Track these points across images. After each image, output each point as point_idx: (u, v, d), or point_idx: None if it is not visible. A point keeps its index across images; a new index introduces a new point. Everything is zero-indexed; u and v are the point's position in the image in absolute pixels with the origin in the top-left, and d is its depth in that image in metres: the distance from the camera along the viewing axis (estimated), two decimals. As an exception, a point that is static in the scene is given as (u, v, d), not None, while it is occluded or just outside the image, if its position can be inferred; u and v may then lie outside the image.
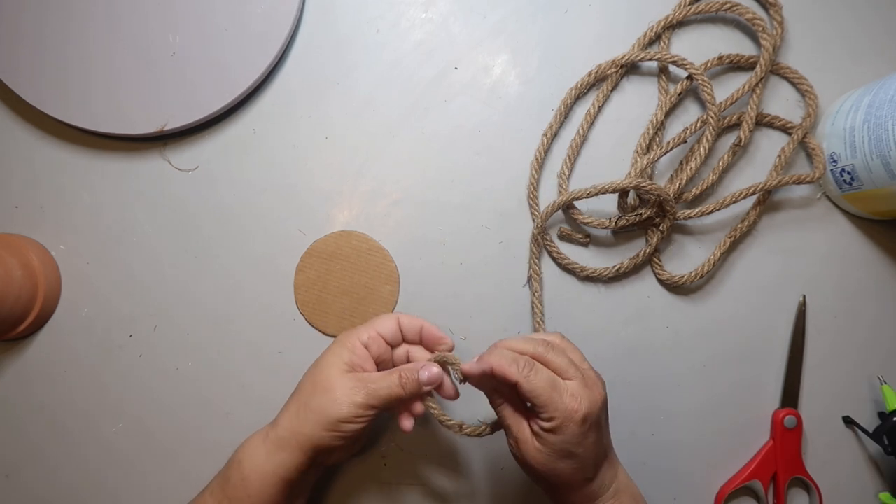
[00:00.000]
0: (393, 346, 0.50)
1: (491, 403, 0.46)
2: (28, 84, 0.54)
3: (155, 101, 0.55)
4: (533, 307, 0.55)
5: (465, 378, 0.45)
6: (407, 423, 0.49)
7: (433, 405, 0.48)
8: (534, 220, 0.56)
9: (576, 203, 0.56)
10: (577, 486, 0.44)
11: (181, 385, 0.55)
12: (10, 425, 0.55)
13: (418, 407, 0.49)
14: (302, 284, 0.56)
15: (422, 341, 0.50)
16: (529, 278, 0.55)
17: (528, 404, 0.44)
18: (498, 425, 0.48)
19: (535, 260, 0.55)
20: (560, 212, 0.57)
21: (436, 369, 0.47)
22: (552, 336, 0.47)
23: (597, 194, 0.52)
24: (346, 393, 0.45)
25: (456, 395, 0.49)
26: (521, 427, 0.44)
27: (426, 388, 0.47)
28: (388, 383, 0.46)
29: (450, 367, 0.47)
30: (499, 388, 0.45)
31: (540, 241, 0.55)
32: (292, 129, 0.57)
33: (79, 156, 0.57)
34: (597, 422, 0.44)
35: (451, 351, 0.49)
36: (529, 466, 0.44)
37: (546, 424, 0.43)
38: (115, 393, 0.55)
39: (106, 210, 0.56)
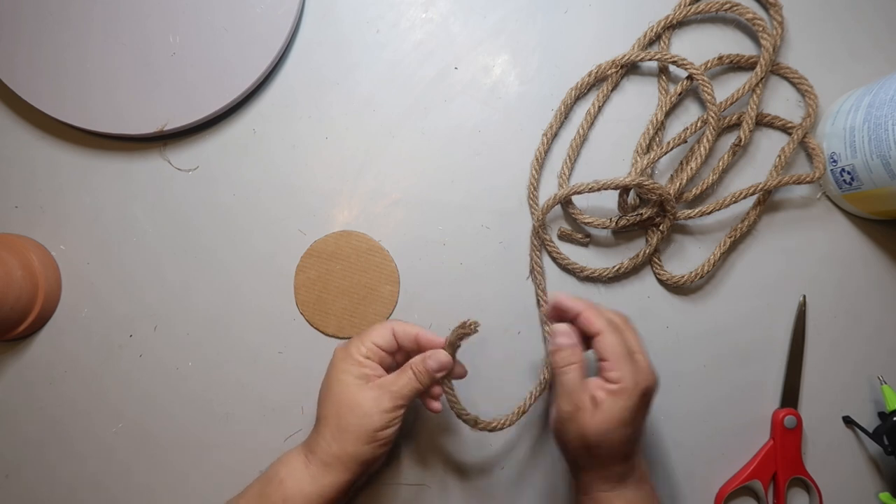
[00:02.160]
0: (391, 354, 0.49)
1: (554, 361, 0.46)
2: (28, 84, 0.54)
3: (155, 101, 0.55)
4: (538, 299, 0.55)
5: (551, 316, 0.48)
6: (434, 405, 0.50)
7: (452, 395, 0.49)
8: (533, 215, 0.56)
9: (576, 203, 0.56)
10: (619, 460, 0.45)
11: (181, 385, 0.55)
12: (10, 425, 0.55)
13: (436, 390, 0.50)
14: (302, 284, 0.56)
15: (420, 349, 0.49)
16: (532, 271, 0.55)
17: (598, 363, 0.46)
18: (511, 420, 0.51)
19: (536, 252, 0.55)
20: (560, 212, 0.57)
21: (442, 355, 0.47)
22: (619, 315, 0.48)
23: (598, 189, 0.52)
24: (373, 404, 0.46)
25: (464, 374, 0.50)
26: (583, 393, 0.45)
27: (439, 375, 0.47)
28: (405, 381, 0.47)
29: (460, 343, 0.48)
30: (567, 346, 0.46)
31: (540, 235, 0.55)
32: (292, 129, 0.57)
33: (79, 156, 0.57)
34: (649, 403, 0.46)
35: (469, 329, 0.48)
36: (580, 435, 0.44)
37: (612, 387, 0.44)
38: (115, 393, 0.55)
39: (106, 210, 0.56)
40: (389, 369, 0.49)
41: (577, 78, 0.56)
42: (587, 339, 0.47)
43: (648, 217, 0.54)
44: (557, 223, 0.57)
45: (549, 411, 0.48)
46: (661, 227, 0.54)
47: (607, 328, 0.46)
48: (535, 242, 0.55)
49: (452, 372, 0.49)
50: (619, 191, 0.53)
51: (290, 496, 0.46)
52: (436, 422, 0.55)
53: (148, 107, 0.55)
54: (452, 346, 0.48)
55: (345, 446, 0.46)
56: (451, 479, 0.55)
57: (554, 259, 0.56)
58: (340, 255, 0.56)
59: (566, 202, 0.56)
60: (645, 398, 0.45)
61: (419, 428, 0.55)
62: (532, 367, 0.56)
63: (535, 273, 0.55)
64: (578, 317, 0.47)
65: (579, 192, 0.53)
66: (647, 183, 0.51)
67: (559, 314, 0.48)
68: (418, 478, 0.55)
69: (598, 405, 0.44)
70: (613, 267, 0.55)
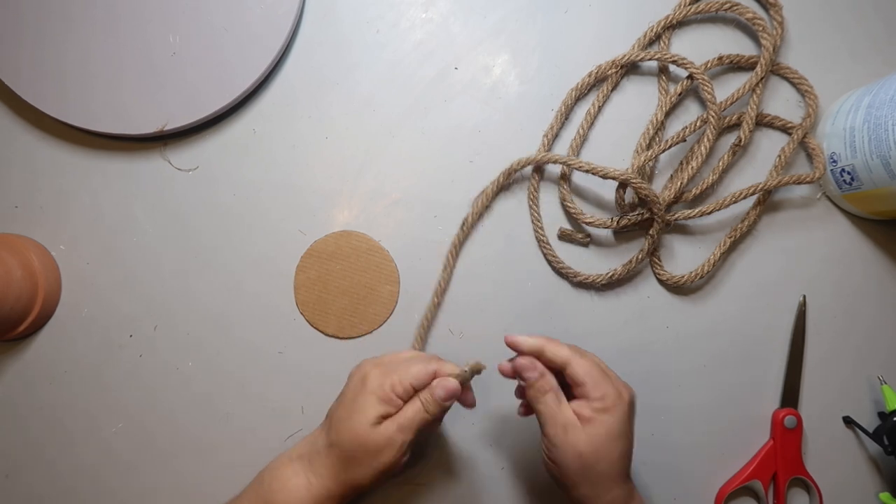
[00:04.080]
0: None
1: (530, 397, 0.46)
2: (28, 84, 0.54)
3: (155, 101, 0.55)
4: (464, 221, 0.55)
5: (514, 359, 0.47)
6: (469, 401, 0.50)
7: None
8: (532, 216, 0.56)
9: (576, 202, 0.56)
10: (618, 479, 0.45)
11: (181, 385, 0.55)
12: (11, 425, 0.55)
13: (467, 399, 0.49)
14: (302, 284, 0.56)
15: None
16: (479, 196, 0.55)
17: (574, 388, 0.46)
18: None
19: (495, 188, 0.55)
20: (560, 211, 0.57)
21: (450, 383, 0.46)
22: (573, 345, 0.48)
23: (588, 171, 0.52)
24: (388, 444, 0.45)
25: (473, 404, 0.50)
26: (568, 414, 0.45)
27: (447, 403, 0.47)
28: (413, 413, 0.46)
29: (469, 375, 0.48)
30: (536, 379, 0.46)
31: (509, 177, 0.55)
32: (292, 129, 0.57)
33: (79, 156, 0.57)
34: (634, 414, 0.46)
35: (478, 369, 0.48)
36: (576, 452, 0.44)
37: (598, 404, 0.44)
38: (115, 393, 0.55)
39: (106, 210, 0.56)
40: None
41: (578, 78, 0.56)
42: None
43: (649, 217, 0.54)
44: (558, 223, 0.57)
45: (540, 447, 0.47)
46: (650, 232, 0.54)
47: (574, 355, 0.46)
48: (501, 179, 0.55)
49: (462, 400, 0.49)
50: (616, 188, 0.53)
51: None
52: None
53: (148, 107, 0.55)
54: (462, 376, 0.47)
55: (353, 478, 0.46)
56: (452, 478, 0.55)
57: (549, 262, 0.56)
58: (340, 255, 0.56)
59: (566, 202, 0.56)
60: (631, 409, 0.46)
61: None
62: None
63: (481, 200, 0.55)
64: (542, 352, 0.46)
65: (569, 165, 0.53)
66: (635, 180, 0.51)
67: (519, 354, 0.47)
68: (418, 478, 0.55)
69: (589, 421, 0.44)
70: (607, 273, 0.55)
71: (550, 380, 0.46)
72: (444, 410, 0.47)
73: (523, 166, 0.55)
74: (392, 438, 0.45)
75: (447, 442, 0.55)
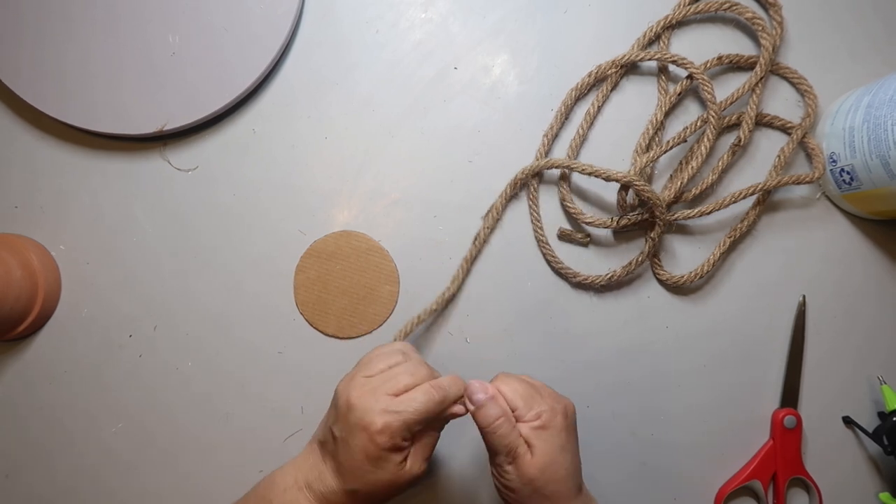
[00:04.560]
0: None
1: (486, 433, 0.44)
2: (28, 84, 0.54)
3: (155, 101, 0.55)
4: (476, 237, 0.55)
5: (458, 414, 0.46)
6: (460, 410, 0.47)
7: None
8: (532, 217, 0.56)
9: (576, 202, 0.56)
10: (572, 493, 0.44)
11: (181, 385, 0.55)
12: (11, 425, 0.55)
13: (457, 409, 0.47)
14: (302, 284, 0.56)
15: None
16: (489, 212, 0.55)
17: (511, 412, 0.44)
18: None
19: (504, 201, 0.55)
20: (560, 211, 0.57)
21: (482, 386, 0.45)
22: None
23: (590, 174, 0.52)
24: (417, 477, 0.44)
25: (464, 413, 0.48)
26: (517, 441, 0.43)
27: (454, 416, 0.46)
28: (428, 440, 0.45)
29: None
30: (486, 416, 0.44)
31: (517, 187, 0.56)
32: (292, 129, 0.57)
33: (79, 156, 0.57)
34: (574, 423, 0.46)
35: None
36: (526, 479, 0.43)
37: (535, 423, 0.43)
38: (115, 393, 0.55)
39: (106, 210, 0.56)
40: None
41: (577, 78, 0.56)
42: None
43: (649, 217, 0.54)
44: (557, 223, 0.57)
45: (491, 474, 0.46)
46: (651, 235, 0.54)
47: (502, 382, 0.45)
48: (508, 191, 0.55)
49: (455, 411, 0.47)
50: (618, 189, 0.53)
51: None
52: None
53: (147, 107, 0.55)
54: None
55: (370, 496, 0.44)
56: (452, 478, 0.55)
57: (548, 262, 0.56)
58: (340, 255, 0.56)
59: (566, 203, 0.56)
60: (567, 419, 0.45)
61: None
62: (532, 367, 0.56)
63: (490, 215, 0.55)
64: (468, 388, 0.45)
65: (573, 169, 0.53)
66: (638, 183, 0.51)
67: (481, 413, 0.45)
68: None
69: (531, 446, 0.43)
70: (606, 274, 0.55)
71: (501, 402, 0.44)
72: (446, 419, 0.46)
73: (528, 175, 0.55)
74: (419, 472, 0.45)
75: (447, 442, 0.55)
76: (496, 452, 0.44)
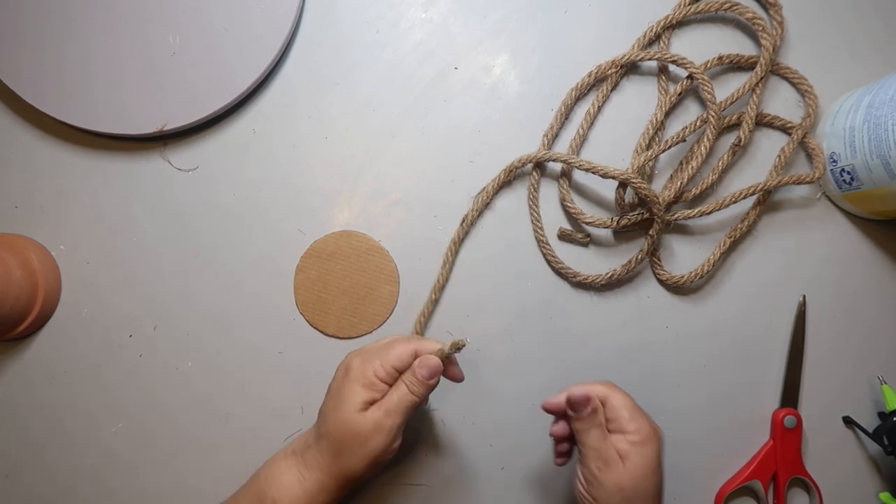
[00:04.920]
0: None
1: (578, 430, 0.46)
2: (28, 84, 0.54)
3: (155, 101, 0.55)
4: (464, 218, 0.55)
5: (549, 409, 0.48)
6: (457, 375, 0.50)
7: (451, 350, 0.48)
8: (532, 217, 0.56)
9: (576, 202, 0.56)
10: None
11: (181, 385, 0.55)
12: (11, 425, 0.55)
13: (455, 374, 0.49)
14: (302, 284, 0.56)
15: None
16: (479, 193, 0.56)
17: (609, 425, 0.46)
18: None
19: (496, 185, 0.55)
20: (560, 211, 0.57)
21: (432, 360, 0.47)
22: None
23: (589, 170, 0.52)
24: (376, 431, 0.45)
25: (461, 378, 0.50)
26: (611, 449, 0.45)
27: (432, 382, 0.47)
28: (399, 398, 0.46)
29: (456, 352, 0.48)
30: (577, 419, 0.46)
31: (511, 174, 0.56)
32: (292, 129, 0.57)
33: (79, 156, 0.57)
34: (664, 453, 0.47)
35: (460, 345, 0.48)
36: (618, 487, 0.44)
37: (635, 437, 0.45)
38: (115, 393, 0.55)
39: (106, 210, 0.56)
40: None
41: (577, 78, 0.56)
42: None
43: (649, 217, 0.54)
44: (557, 223, 0.57)
45: (574, 482, 0.47)
46: (650, 232, 0.54)
47: (611, 390, 0.47)
48: (503, 176, 0.55)
49: (449, 374, 0.49)
50: (616, 187, 0.53)
51: None
52: (437, 421, 0.55)
53: (148, 107, 0.55)
54: (442, 352, 0.47)
55: (344, 469, 0.46)
56: (452, 479, 0.55)
57: (548, 262, 0.56)
58: (340, 255, 0.56)
59: (566, 202, 0.56)
60: (662, 445, 0.47)
61: (419, 428, 0.55)
62: (532, 367, 0.56)
63: (481, 197, 0.55)
64: (579, 396, 0.46)
65: (570, 164, 0.53)
66: (635, 180, 0.51)
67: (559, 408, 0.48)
68: (418, 478, 0.55)
69: (626, 456, 0.45)
70: (606, 273, 0.55)
71: (601, 415, 0.46)
72: (430, 389, 0.47)
73: (524, 164, 0.55)
74: (380, 423, 0.45)
75: (447, 442, 0.55)
76: (589, 458, 0.45)
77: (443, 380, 0.48)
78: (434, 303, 0.55)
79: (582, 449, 0.46)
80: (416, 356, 0.47)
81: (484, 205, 0.56)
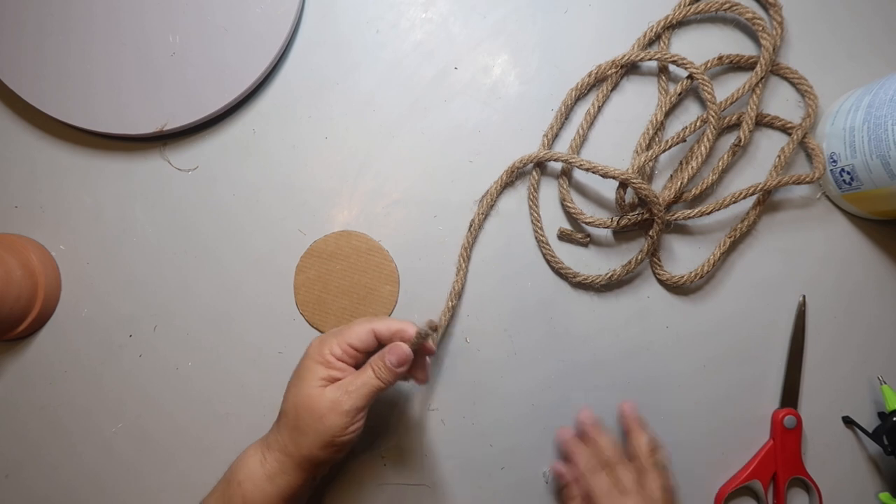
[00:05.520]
0: (368, 353, 0.48)
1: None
2: (28, 84, 0.54)
3: (155, 101, 0.55)
4: (471, 223, 0.55)
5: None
6: (421, 376, 0.49)
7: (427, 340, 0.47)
8: (532, 217, 0.56)
9: (576, 202, 0.56)
10: None
11: (181, 385, 0.55)
12: (10, 425, 0.55)
13: (420, 374, 0.49)
14: (302, 284, 0.56)
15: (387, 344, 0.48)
16: (483, 197, 0.56)
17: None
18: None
19: (499, 187, 0.55)
20: (560, 211, 0.57)
21: (401, 348, 0.46)
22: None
23: (588, 170, 0.52)
24: (333, 408, 0.45)
25: (432, 351, 0.49)
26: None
27: (401, 370, 0.46)
28: (364, 381, 0.46)
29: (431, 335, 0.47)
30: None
31: (513, 175, 0.56)
32: (292, 129, 0.57)
33: (79, 156, 0.57)
34: None
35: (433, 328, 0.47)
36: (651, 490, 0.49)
37: (659, 457, 0.51)
38: (115, 393, 0.55)
39: (106, 210, 0.56)
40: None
41: (577, 78, 0.56)
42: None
43: (649, 217, 0.54)
44: (557, 223, 0.57)
45: None
46: (650, 232, 0.54)
47: (638, 425, 0.53)
48: (504, 177, 0.56)
49: (426, 350, 0.48)
50: (616, 187, 0.53)
51: (249, 497, 0.46)
52: (437, 421, 0.55)
53: (148, 107, 0.55)
54: (418, 337, 0.46)
55: (300, 448, 0.46)
56: (452, 479, 0.55)
57: (548, 262, 0.56)
58: (340, 255, 0.56)
59: (566, 202, 0.56)
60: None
61: (420, 428, 0.55)
62: (532, 367, 0.56)
63: (485, 201, 0.56)
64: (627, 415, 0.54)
65: (571, 163, 0.53)
66: (635, 180, 0.51)
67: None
68: (418, 478, 0.55)
69: (647, 476, 0.50)
70: (606, 274, 0.55)
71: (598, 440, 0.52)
72: (398, 376, 0.46)
73: (526, 164, 0.55)
74: (338, 401, 0.45)
75: (447, 442, 0.55)
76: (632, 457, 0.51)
77: (443, 380, 0.48)
78: (451, 310, 0.55)
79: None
80: (373, 334, 0.47)
81: (489, 207, 0.56)
